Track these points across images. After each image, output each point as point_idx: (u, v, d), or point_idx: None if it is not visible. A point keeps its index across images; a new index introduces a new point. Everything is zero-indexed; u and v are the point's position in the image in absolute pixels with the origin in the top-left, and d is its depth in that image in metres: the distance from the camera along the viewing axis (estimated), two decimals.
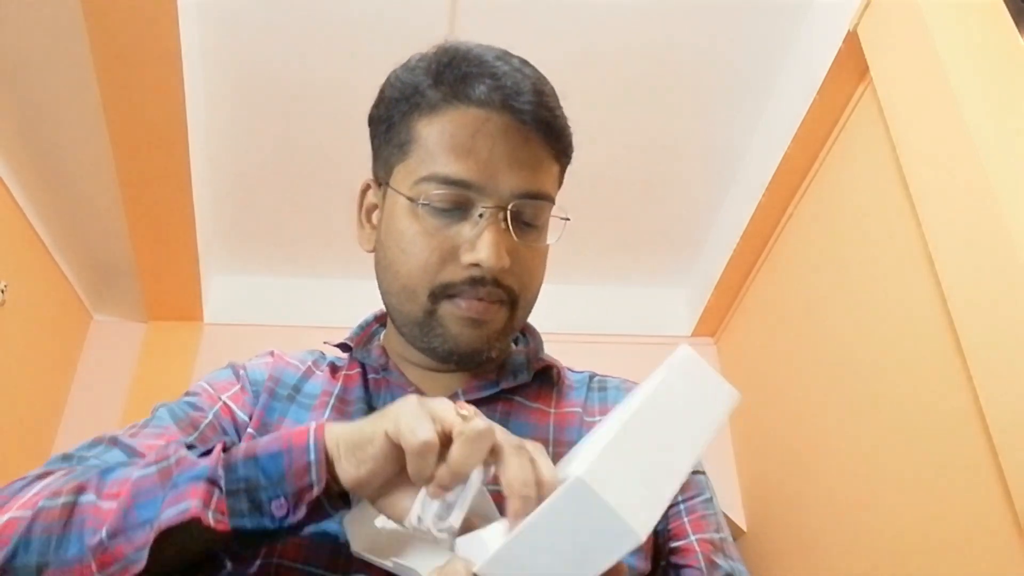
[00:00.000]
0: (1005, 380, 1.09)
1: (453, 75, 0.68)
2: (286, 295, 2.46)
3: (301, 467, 0.49)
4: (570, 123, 0.73)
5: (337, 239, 2.31)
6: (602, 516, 0.40)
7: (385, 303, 0.73)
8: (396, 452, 0.48)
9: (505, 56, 0.70)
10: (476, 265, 0.65)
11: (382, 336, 0.80)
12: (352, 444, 0.49)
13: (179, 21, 1.52)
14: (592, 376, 0.79)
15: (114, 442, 0.62)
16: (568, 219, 0.72)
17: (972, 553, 1.21)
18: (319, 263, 2.43)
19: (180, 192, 1.90)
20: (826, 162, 1.75)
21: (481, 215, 0.65)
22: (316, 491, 0.49)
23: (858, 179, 1.61)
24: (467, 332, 0.67)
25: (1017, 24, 1.25)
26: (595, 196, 2.12)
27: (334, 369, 0.75)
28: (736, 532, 2.19)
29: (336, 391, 0.72)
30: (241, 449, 0.51)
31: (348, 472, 0.49)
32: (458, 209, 0.66)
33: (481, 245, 0.65)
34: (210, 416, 0.66)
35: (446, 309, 0.67)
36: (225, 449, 0.51)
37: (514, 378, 0.73)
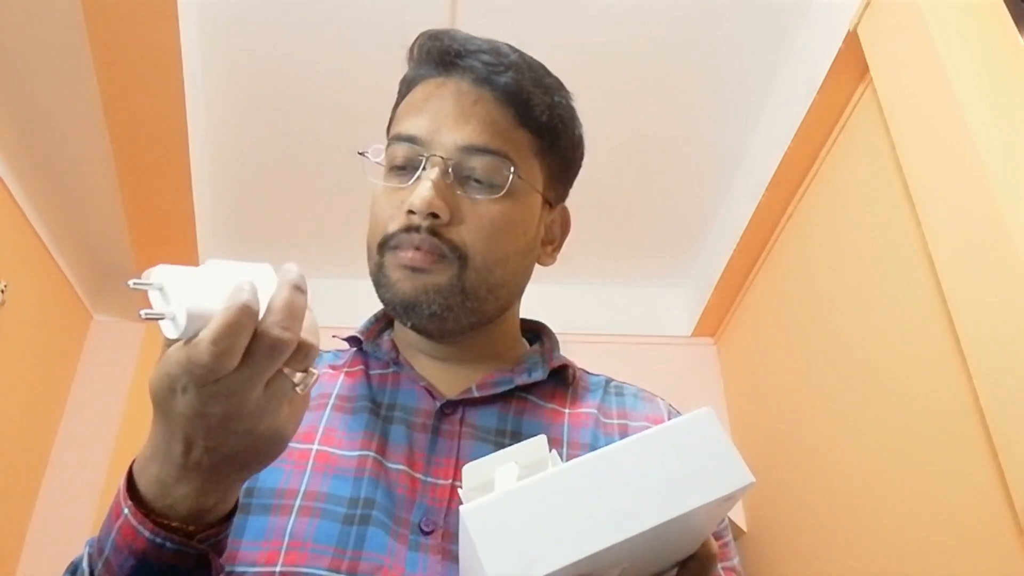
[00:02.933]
0: (1005, 380, 1.09)
1: (421, 56, 0.73)
2: None
3: (173, 555, 0.48)
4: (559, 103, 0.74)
5: (337, 239, 2.31)
6: (475, 554, 0.38)
7: None
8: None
9: (471, 35, 0.74)
10: (412, 213, 0.66)
11: (392, 333, 0.79)
12: (165, 466, 0.47)
13: (179, 21, 1.52)
14: (609, 380, 0.79)
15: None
16: (515, 172, 0.69)
17: (972, 553, 1.21)
18: (319, 263, 2.43)
19: (180, 192, 1.90)
20: (826, 162, 1.75)
21: (424, 168, 0.67)
22: (206, 552, 0.48)
23: (858, 179, 1.61)
24: (405, 281, 0.67)
25: (1017, 24, 1.25)
26: (595, 196, 2.11)
27: (333, 367, 0.74)
28: (736, 532, 2.19)
29: (336, 390, 0.71)
30: (100, 569, 0.50)
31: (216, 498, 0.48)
32: (412, 168, 0.68)
33: (415, 192, 0.66)
34: None
35: (388, 260, 0.68)
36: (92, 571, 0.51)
37: (529, 375, 0.72)
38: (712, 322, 2.41)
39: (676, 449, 0.40)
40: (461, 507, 0.39)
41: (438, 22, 1.67)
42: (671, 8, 1.70)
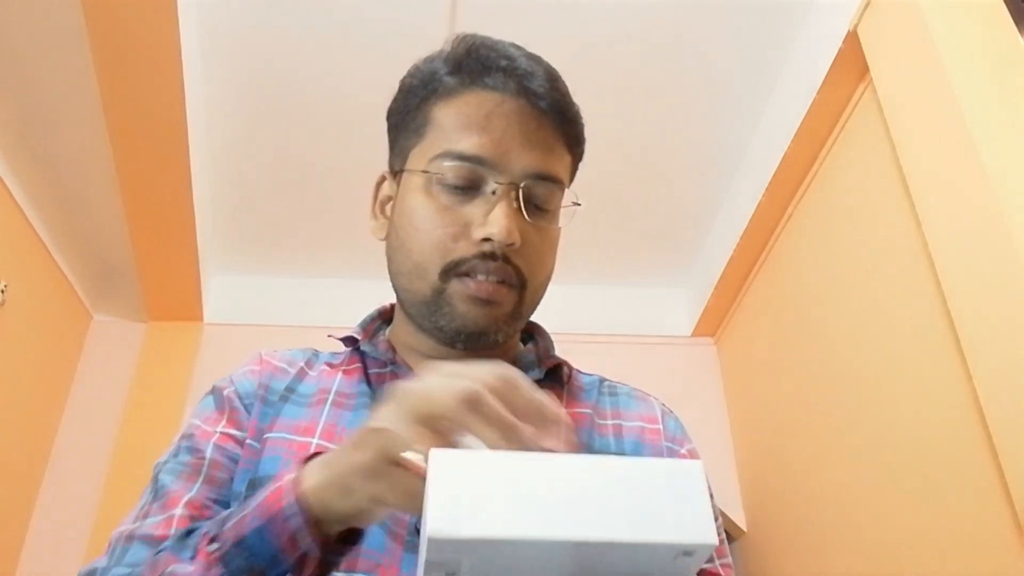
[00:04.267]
0: (1005, 380, 1.09)
1: (470, 62, 0.70)
2: (286, 295, 2.46)
3: (289, 537, 0.47)
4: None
5: (337, 239, 2.31)
6: (426, 497, 0.38)
7: (394, 285, 0.72)
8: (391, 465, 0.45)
9: (520, 48, 0.72)
10: (488, 240, 0.65)
11: (387, 331, 0.78)
12: (339, 478, 0.47)
13: (179, 21, 1.52)
14: (602, 380, 0.79)
15: (131, 539, 0.60)
16: (580, 204, 0.72)
17: (972, 553, 1.21)
18: (319, 263, 2.43)
19: (180, 192, 1.90)
20: (826, 162, 1.75)
21: (494, 192, 0.66)
22: (314, 555, 0.47)
23: (858, 179, 1.61)
24: (475, 311, 0.66)
25: (1017, 24, 1.25)
26: (595, 196, 2.11)
27: (331, 365, 0.74)
28: (736, 532, 2.19)
29: (334, 387, 0.71)
30: (230, 533, 0.49)
31: (343, 512, 0.47)
32: (471, 187, 0.67)
33: (493, 219, 0.65)
34: (209, 453, 0.65)
35: (455, 288, 0.66)
36: (212, 539, 0.50)
37: (525, 375, 0.71)
38: (712, 322, 2.41)
39: (653, 484, 0.40)
40: (432, 449, 0.39)
41: (438, 22, 1.67)
42: (671, 8, 1.70)
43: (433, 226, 0.67)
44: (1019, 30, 1.25)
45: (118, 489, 2.04)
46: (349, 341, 0.75)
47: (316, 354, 0.77)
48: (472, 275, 0.66)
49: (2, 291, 1.88)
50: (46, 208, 2.07)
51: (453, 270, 0.66)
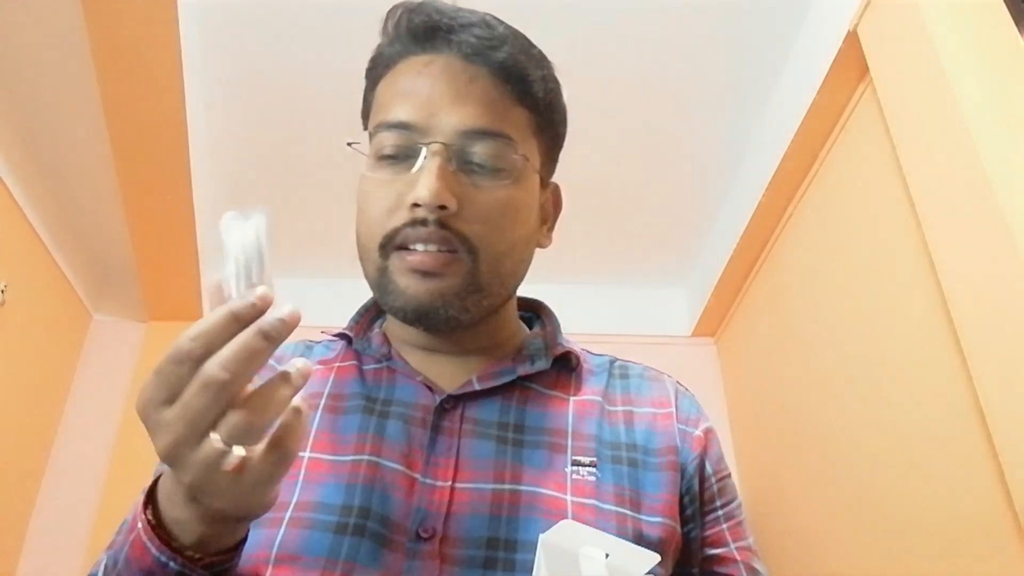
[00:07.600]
0: (1005, 380, 1.09)
1: (403, 28, 0.67)
2: (285, 295, 2.46)
3: (161, 568, 0.47)
4: (541, 70, 0.71)
5: (337, 239, 2.30)
6: None
7: None
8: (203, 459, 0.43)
9: (461, 8, 0.68)
10: (417, 206, 0.60)
11: (383, 323, 0.75)
12: (174, 495, 0.47)
13: (179, 20, 1.52)
14: (613, 361, 0.76)
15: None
16: (524, 156, 0.65)
17: (972, 553, 1.20)
18: (319, 263, 2.43)
19: (180, 192, 1.90)
20: (826, 162, 1.75)
21: (425, 157, 0.62)
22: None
23: (858, 179, 1.61)
24: (415, 285, 0.62)
25: (1017, 24, 1.25)
26: (595, 196, 2.12)
27: (324, 362, 0.71)
28: None
29: (327, 389, 0.68)
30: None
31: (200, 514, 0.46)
32: (406, 156, 0.63)
33: (419, 182, 0.60)
34: None
35: (394, 263, 0.63)
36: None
37: (531, 364, 0.69)
38: (712, 322, 2.41)
39: None
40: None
41: None
42: (671, 8, 1.69)
43: (371, 203, 0.64)
44: (1019, 30, 1.25)
45: (118, 489, 2.04)
46: (342, 338, 0.73)
47: (310, 347, 0.74)
48: (408, 247, 0.62)
49: (2, 291, 1.88)
50: (46, 208, 2.07)
51: (390, 244, 0.63)
